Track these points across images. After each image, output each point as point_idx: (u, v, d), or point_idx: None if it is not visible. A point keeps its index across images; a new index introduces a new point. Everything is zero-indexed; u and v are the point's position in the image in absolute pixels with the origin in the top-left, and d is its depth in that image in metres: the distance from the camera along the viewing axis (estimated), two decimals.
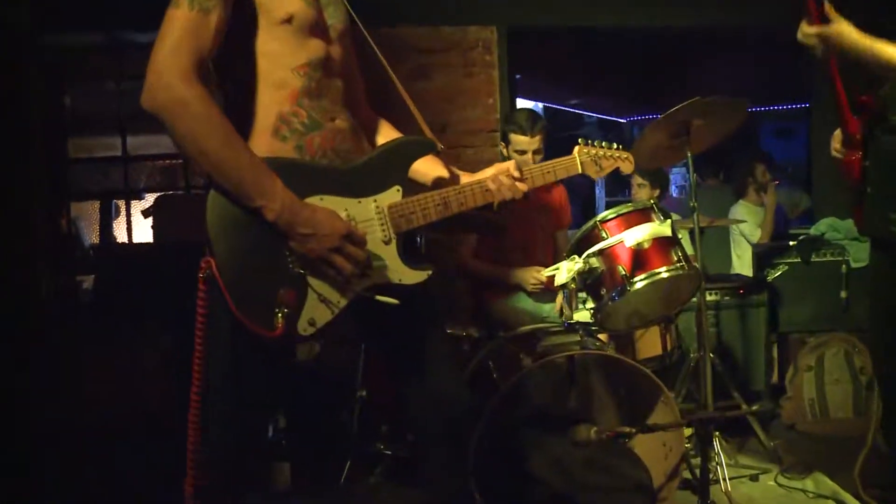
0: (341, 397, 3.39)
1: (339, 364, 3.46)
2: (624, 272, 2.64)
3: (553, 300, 3.45)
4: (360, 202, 1.76)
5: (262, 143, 1.68)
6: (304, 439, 3.39)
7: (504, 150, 3.56)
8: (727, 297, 4.21)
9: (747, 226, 5.35)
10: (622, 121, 10.72)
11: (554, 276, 2.69)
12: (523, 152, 3.45)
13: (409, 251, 1.84)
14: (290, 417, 3.34)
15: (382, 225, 1.77)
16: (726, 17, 4.81)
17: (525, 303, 3.50)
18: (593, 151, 2.16)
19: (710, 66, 7.21)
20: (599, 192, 10.39)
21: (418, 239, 3.24)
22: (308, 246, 1.63)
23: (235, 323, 1.61)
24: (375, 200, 1.77)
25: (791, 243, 4.44)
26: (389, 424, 3.28)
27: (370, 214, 1.76)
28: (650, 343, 3.34)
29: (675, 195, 9.05)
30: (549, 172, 2.04)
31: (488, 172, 1.95)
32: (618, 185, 9.88)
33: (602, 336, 3.10)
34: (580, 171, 2.13)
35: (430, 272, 1.79)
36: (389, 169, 1.81)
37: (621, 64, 7.24)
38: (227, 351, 1.68)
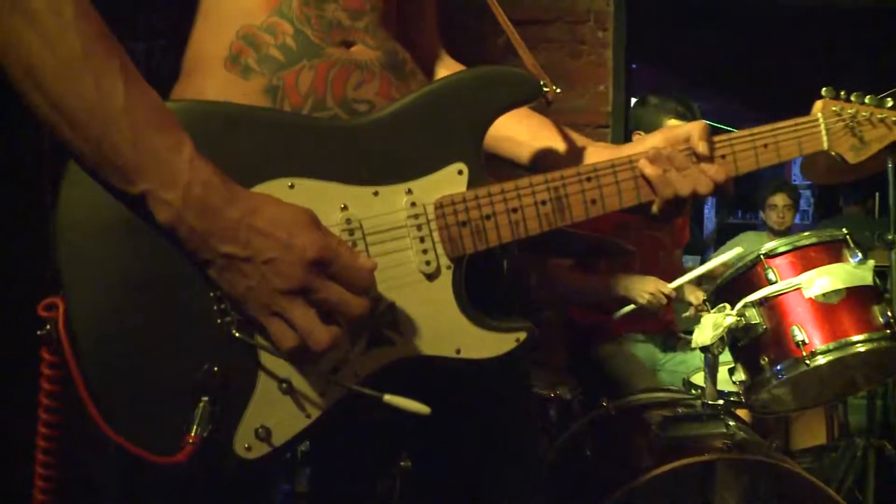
0: (379, 464, 2.58)
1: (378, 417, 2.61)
2: (800, 337, 1.93)
3: (675, 346, 2.99)
4: (376, 192, 0.98)
5: (210, 80, 1.03)
6: None
7: None
8: None
9: None
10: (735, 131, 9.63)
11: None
12: None
13: (483, 289, 1.04)
14: (312, 484, 2.57)
15: (422, 240, 0.99)
16: None
17: (643, 350, 2.97)
18: (851, 110, 1.17)
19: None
20: (708, 212, 9.27)
21: (499, 261, 2.41)
22: (241, 284, 0.86)
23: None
24: (410, 190, 0.99)
25: None
26: None
27: (396, 218, 0.99)
28: (809, 428, 2.68)
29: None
30: (765, 147, 1.12)
31: (648, 142, 1.12)
32: (731, 204, 8.80)
33: (741, 412, 2.41)
34: (824, 146, 1.16)
35: (525, 334, 1.03)
36: (444, 129, 1.01)
37: (760, 52, 6.23)
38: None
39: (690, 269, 5.17)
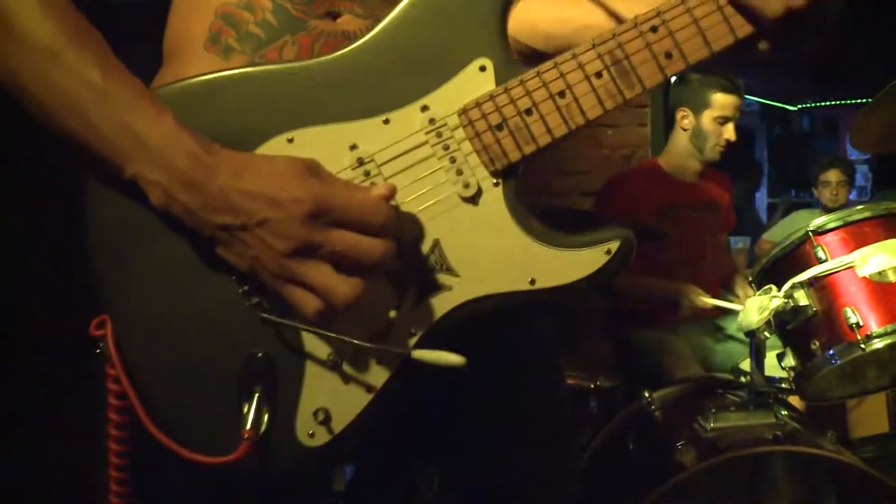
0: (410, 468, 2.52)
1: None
2: (854, 319, 1.79)
3: (722, 336, 2.91)
4: (386, 120, 0.86)
5: (192, 64, 0.96)
6: None
7: (687, 120, 3.01)
8: None
9: None
10: (791, 108, 9.34)
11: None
12: (726, 120, 2.92)
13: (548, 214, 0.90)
14: (351, 485, 2.52)
15: (453, 159, 0.86)
16: None
17: (691, 336, 2.88)
18: None
19: None
20: (760, 193, 8.98)
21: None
22: (246, 255, 0.81)
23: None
24: (425, 106, 0.86)
25: None
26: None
27: (414, 140, 0.86)
28: (869, 416, 2.47)
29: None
30: None
31: None
32: (784, 182, 8.53)
33: (793, 400, 2.29)
34: None
35: (619, 242, 0.85)
36: (454, 23, 0.86)
37: None
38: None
39: (740, 251, 4.98)
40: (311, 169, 0.80)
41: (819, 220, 1.91)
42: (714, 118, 2.92)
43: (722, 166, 3.13)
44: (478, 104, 0.85)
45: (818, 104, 8.95)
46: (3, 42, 0.78)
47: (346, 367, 0.85)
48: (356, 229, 0.78)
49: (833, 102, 8.43)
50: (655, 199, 2.91)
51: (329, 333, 0.82)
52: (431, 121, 0.85)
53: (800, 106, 9.34)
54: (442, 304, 0.85)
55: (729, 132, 2.90)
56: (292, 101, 0.86)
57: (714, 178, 3.13)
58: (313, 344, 0.84)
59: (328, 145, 0.85)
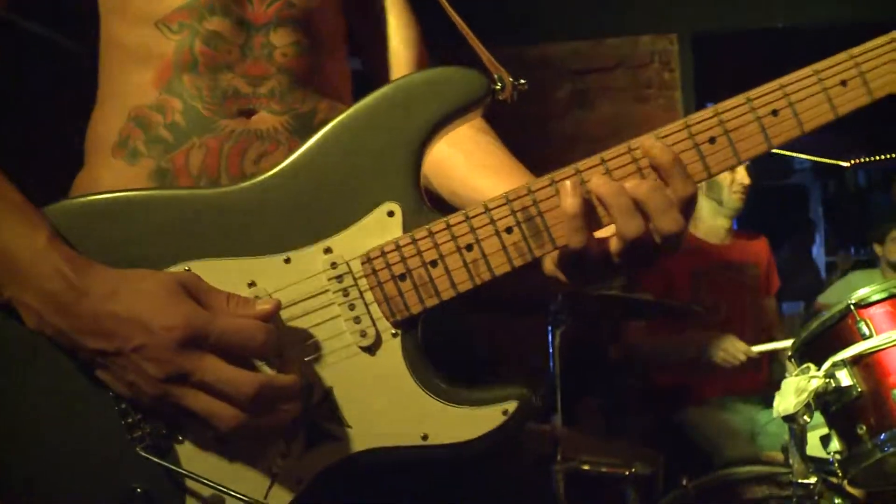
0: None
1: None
2: None
3: (762, 401, 2.77)
4: (287, 259, 0.84)
5: (101, 170, 0.96)
6: None
7: None
8: None
9: None
10: (844, 164, 9.06)
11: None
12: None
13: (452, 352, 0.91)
14: None
15: (352, 306, 0.83)
16: None
17: (739, 413, 2.77)
18: None
19: None
20: (817, 250, 8.70)
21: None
22: (122, 380, 0.78)
23: None
24: (328, 248, 0.84)
25: None
26: None
27: (315, 285, 0.84)
28: None
29: None
30: (774, 114, 0.81)
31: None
32: (841, 239, 8.23)
33: (855, 491, 2.08)
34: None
35: (516, 402, 0.82)
36: (365, 164, 0.84)
37: None
38: None
39: (795, 316, 4.80)
40: (186, 286, 0.78)
41: (862, 292, 1.80)
42: None
43: (775, 227, 3.05)
44: (382, 252, 0.82)
45: (872, 158, 8.70)
46: None
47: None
48: (233, 355, 0.76)
49: (888, 156, 8.19)
50: (689, 268, 2.84)
51: (207, 481, 0.79)
52: (333, 264, 0.82)
53: (853, 161, 9.09)
54: (331, 454, 0.82)
55: (741, 175, 2.84)
56: (194, 230, 0.83)
57: (747, 237, 3.12)
58: (193, 487, 0.81)
59: (226, 280, 0.82)
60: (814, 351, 1.81)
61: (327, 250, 0.83)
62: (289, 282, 0.82)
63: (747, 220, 3.73)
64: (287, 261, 0.83)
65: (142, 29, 0.93)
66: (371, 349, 0.82)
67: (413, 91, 0.83)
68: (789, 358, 1.91)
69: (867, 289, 1.82)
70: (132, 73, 0.94)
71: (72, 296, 0.75)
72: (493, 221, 0.81)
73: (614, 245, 0.80)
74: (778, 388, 2.82)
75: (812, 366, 1.74)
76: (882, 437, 1.66)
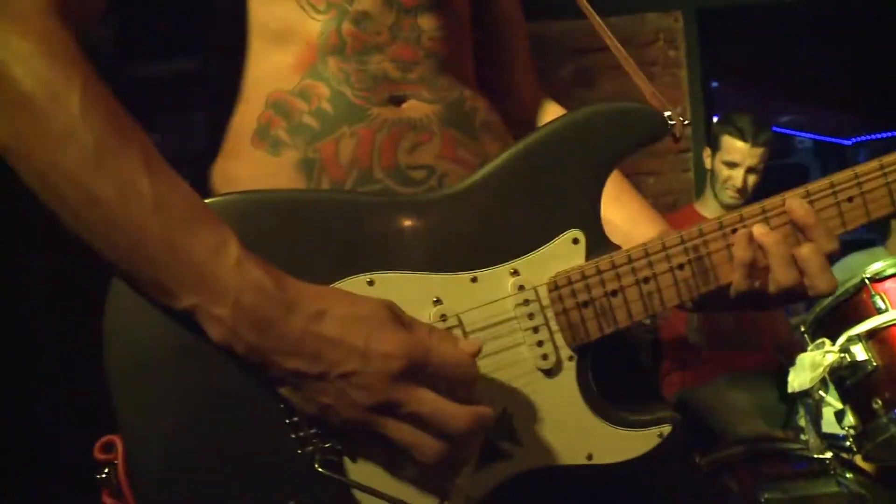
0: None
1: None
2: None
3: (768, 379, 2.68)
4: (474, 279, 0.83)
5: (239, 162, 0.89)
6: None
7: (708, 160, 2.99)
8: None
9: None
10: (846, 143, 9.05)
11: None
12: (734, 165, 2.86)
13: (618, 381, 0.89)
14: None
15: (536, 330, 0.84)
16: None
17: (748, 390, 2.71)
18: None
19: None
20: None
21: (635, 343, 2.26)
22: (315, 402, 0.74)
23: None
24: (515, 270, 0.84)
25: None
26: None
27: (502, 308, 0.84)
28: None
29: None
30: (850, 201, 0.90)
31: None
32: None
33: (866, 466, 2.05)
34: None
35: (670, 426, 0.86)
36: (552, 189, 0.85)
37: (852, 60, 5.83)
38: None
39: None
40: (398, 317, 0.74)
41: (876, 266, 1.79)
42: (722, 162, 2.88)
43: None
44: (570, 280, 0.84)
45: (873, 137, 8.66)
46: (35, 142, 0.70)
47: None
48: (444, 388, 0.72)
49: (889, 134, 8.16)
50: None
51: (391, 497, 0.77)
52: (521, 287, 0.83)
53: (854, 140, 9.05)
54: (502, 472, 0.82)
55: (734, 178, 2.83)
56: (378, 239, 0.81)
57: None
58: (364, 502, 0.78)
59: (410, 295, 0.80)
60: (828, 326, 1.82)
61: (514, 272, 0.83)
62: (476, 302, 0.82)
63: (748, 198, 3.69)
64: (474, 280, 0.82)
65: (284, 8, 0.88)
66: (550, 372, 0.83)
67: (603, 121, 0.85)
68: (803, 333, 1.90)
69: (881, 263, 1.81)
70: (271, 56, 0.89)
71: (274, 312, 0.70)
72: (668, 258, 0.85)
73: (770, 288, 0.85)
74: (781, 366, 2.83)
75: (827, 341, 1.74)
76: None
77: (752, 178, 2.83)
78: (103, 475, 0.77)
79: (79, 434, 0.86)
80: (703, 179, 3.14)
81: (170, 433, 0.77)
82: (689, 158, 3.66)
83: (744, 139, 2.81)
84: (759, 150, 2.82)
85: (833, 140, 9.02)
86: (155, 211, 0.70)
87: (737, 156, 2.82)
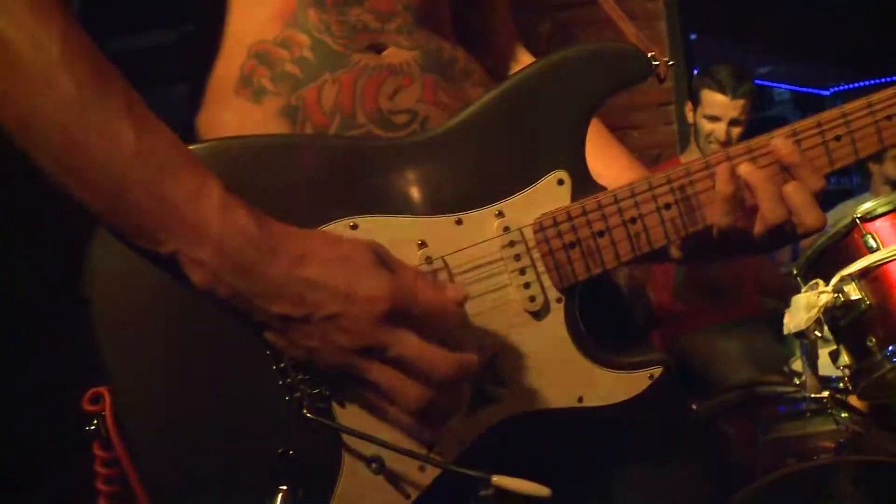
0: None
1: None
2: None
3: (771, 337, 2.74)
4: (459, 220, 0.83)
5: (223, 110, 0.90)
6: None
7: (690, 115, 3.01)
8: None
9: None
10: (824, 94, 9.10)
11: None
12: (715, 119, 2.87)
13: (598, 313, 0.89)
14: None
15: (523, 271, 0.84)
16: None
17: (736, 338, 2.78)
18: None
19: None
20: None
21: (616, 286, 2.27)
22: (301, 346, 0.73)
23: None
24: (500, 212, 0.84)
25: None
26: None
27: (489, 249, 0.84)
28: None
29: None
30: (837, 140, 0.88)
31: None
32: None
33: (858, 404, 2.06)
34: None
35: (661, 368, 0.86)
36: (536, 130, 0.85)
37: (830, 8, 5.87)
38: None
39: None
40: (381, 257, 0.73)
41: (867, 206, 1.78)
42: (703, 116, 2.89)
43: None
44: (555, 221, 0.83)
45: (852, 86, 8.70)
46: (15, 88, 0.69)
47: (387, 472, 0.80)
48: (427, 334, 0.72)
49: (867, 83, 8.20)
50: None
51: (380, 440, 0.77)
52: (506, 229, 0.83)
53: (833, 90, 9.09)
54: (493, 415, 0.83)
55: (717, 132, 2.84)
56: (361, 182, 0.81)
57: None
58: (354, 444, 0.79)
59: (395, 238, 0.79)
60: (821, 266, 1.81)
61: (499, 214, 0.83)
62: (461, 244, 0.82)
63: None
64: (459, 222, 0.82)
65: None
66: (538, 314, 0.83)
67: (586, 62, 0.84)
68: (795, 276, 1.90)
69: (872, 202, 1.81)
70: (252, 10, 0.89)
71: (257, 255, 0.70)
72: (655, 198, 0.84)
73: (757, 228, 0.85)
74: (773, 311, 2.86)
75: (820, 281, 1.74)
76: (891, 348, 1.67)
77: (735, 131, 2.85)
78: (92, 427, 0.77)
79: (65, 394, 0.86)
80: (687, 132, 3.15)
81: (158, 383, 0.78)
82: (672, 111, 3.66)
83: (723, 92, 2.81)
84: (739, 102, 2.82)
85: (811, 91, 9.06)
86: (137, 155, 0.70)
87: (717, 109, 2.83)
